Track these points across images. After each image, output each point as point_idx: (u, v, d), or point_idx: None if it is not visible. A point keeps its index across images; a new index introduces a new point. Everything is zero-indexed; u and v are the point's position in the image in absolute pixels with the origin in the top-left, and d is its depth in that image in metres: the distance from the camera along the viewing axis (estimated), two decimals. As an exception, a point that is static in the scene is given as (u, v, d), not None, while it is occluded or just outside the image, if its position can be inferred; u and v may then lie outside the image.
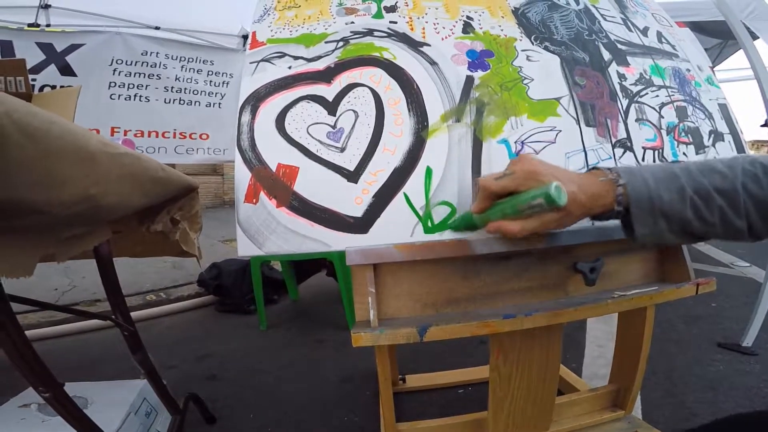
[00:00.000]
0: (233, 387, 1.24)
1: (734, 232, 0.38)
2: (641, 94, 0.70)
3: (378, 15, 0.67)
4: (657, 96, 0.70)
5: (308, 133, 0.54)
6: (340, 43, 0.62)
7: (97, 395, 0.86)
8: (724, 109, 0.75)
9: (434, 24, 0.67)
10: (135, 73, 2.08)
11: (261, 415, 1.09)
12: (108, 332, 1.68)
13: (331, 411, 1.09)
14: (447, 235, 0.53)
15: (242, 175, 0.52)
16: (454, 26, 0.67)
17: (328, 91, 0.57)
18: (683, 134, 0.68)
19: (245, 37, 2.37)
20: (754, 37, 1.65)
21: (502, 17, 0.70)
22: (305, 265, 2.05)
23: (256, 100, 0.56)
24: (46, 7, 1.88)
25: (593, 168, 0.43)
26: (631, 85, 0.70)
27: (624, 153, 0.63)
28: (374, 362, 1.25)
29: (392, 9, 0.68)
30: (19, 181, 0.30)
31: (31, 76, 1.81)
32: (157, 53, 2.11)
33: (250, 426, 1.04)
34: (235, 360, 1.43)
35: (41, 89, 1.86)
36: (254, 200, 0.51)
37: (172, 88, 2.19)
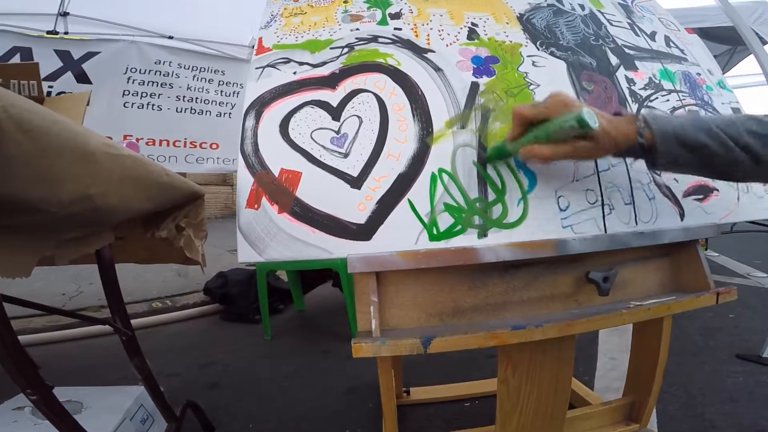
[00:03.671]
0: (235, 396, 1.23)
1: (763, 171, 0.41)
2: (651, 98, 0.68)
3: (383, 22, 0.67)
4: (668, 100, 0.69)
5: (312, 138, 0.54)
6: (345, 50, 0.62)
7: (92, 400, 0.85)
8: (737, 113, 0.73)
9: (439, 31, 0.67)
10: (148, 82, 2.13)
11: (261, 424, 1.07)
12: (113, 338, 1.68)
13: (334, 422, 1.07)
14: (453, 242, 0.51)
15: (245, 180, 0.52)
16: (459, 33, 0.67)
17: (333, 97, 0.57)
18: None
19: (255, 48, 2.42)
20: (763, 42, 1.63)
21: (507, 23, 0.70)
22: (311, 276, 2.04)
23: (260, 105, 0.56)
24: (65, 15, 1.95)
25: (616, 114, 0.47)
26: (640, 89, 0.68)
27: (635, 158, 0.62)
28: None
29: (397, 16, 0.68)
30: (16, 177, 0.30)
31: (48, 83, 1.88)
32: (170, 62, 2.17)
33: (249, 436, 1.02)
34: (238, 369, 1.42)
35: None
36: (256, 206, 0.51)
37: (184, 97, 2.24)
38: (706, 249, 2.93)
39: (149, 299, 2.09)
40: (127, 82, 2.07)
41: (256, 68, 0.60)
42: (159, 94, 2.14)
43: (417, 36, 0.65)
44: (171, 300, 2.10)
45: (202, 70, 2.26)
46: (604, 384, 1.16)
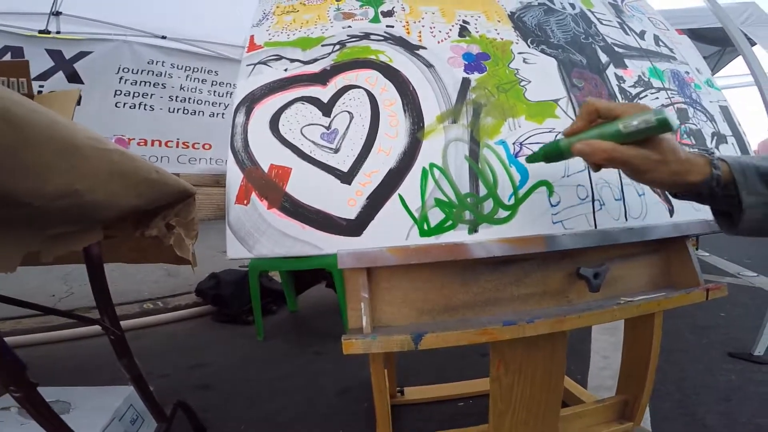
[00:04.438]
0: (226, 397, 1.21)
1: None
2: (640, 96, 0.69)
3: (375, 19, 0.67)
4: (657, 98, 0.70)
5: (302, 134, 0.54)
6: (337, 47, 0.62)
7: (81, 400, 0.84)
8: (725, 111, 0.74)
9: (430, 28, 0.67)
10: (140, 82, 2.11)
11: (253, 426, 1.05)
12: (103, 339, 1.66)
13: (327, 423, 1.06)
14: (443, 238, 0.51)
15: (234, 176, 0.51)
16: (450, 30, 0.67)
17: (323, 93, 0.57)
18: (685, 136, 0.67)
19: (249, 48, 2.42)
20: (752, 43, 1.65)
21: (498, 21, 0.70)
22: (305, 276, 2.03)
23: (251, 101, 0.56)
24: (57, 14, 1.93)
25: None
26: (630, 87, 0.69)
27: (625, 155, 0.62)
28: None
29: (389, 14, 0.68)
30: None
31: (39, 83, 1.85)
32: (163, 62, 2.16)
33: (241, 438, 1.01)
34: (230, 370, 1.40)
35: (47, 98, 1.88)
36: (245, 201, 0.50)
37: (177, 97, 2.23)
38: (697, 249, 2.97)
39: (140, 300, 2.06)
40: (120, 82, 2.06)
41: (247, 65, 0.60)
42: (151, 94, 2.13)
43: (408, 33, 0.65)
44: (162, 301, 2.07)
45: (196, 70, 2.25)
46: (596, 382, 1.17)
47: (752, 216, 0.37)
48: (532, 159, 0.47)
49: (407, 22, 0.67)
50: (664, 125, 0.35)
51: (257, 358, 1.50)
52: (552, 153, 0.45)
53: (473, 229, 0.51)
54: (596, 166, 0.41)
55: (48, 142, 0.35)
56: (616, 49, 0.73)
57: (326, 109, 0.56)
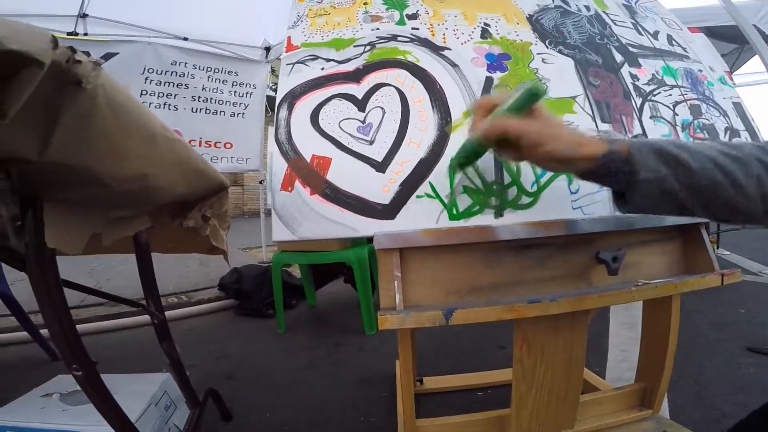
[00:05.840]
0: (251, 387, 1.26)
1: (743, 197, 0.36)
2: (654, 93, 0.72)
3: (401, 22, 0.72)
4: (670, 95, 0.73)
5: (340, 127, 0.59)
6: (367, 47, 0.67)
7: (119, 386, 0.86)
8: (738, 107, 0.77)
9: (454, 30, 0.71)
10: (165, 82, 2.19)
11: (277, 414, 1.10)
12: (129, 332, 1.74)
13: (348, 411, 1.10)
14: (471, 222, 0.55)
15: (279, 166, 0.56)
16: (473, 32, 0.71)
17: (358, 90, 0.62)
18: (698, 131, 0.70)
19: (268, 49, 2.49)
20: (768, 41, 1.65)
21: (518, 24, 0.74)
22: (323, 271, 2.08)
23: (292, 97, 0.61)
24: (84, 16, 2.01)
25: None
26: (644, 85, 0.72)
27: (641, 147, 0.65)
28: (390, 365, 1.25)
29: (414, 16, 0.73)
30: (95, 150, 0.34)
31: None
32: (186, 63, 2.23)
33: (266, 424, 1.05)
34: (253, 361, 1.45)
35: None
36: (290, 188, 0.55)
37: (199, 97, 2.30)
38: (717, 248, 2.92)
39: (165, 294, 2.13)
40: (145, 82, 2.13)
41: (287, 64, 0.65)
42: (175, 95, 2.20)
43: (433, 35, 0.70)
44: (186, 295, 2.14)
45: (216, 71, 2.32)
46: (615, 375, 1.18)
47: (645, 191, 0.38)
48: (458, 159, 0.49)
49: (431, 25, 0.72)
50: (533, 95, 0.40)
51: (279, 350, 1.55)
52: (469, 152, 0.47)
53: (499, 214, 0.55)
54: (512, 154, 0.42)
55: (135, 129, 0.40)
56: (630, 48, 0.76)
57: (361, 104, 0.61)
